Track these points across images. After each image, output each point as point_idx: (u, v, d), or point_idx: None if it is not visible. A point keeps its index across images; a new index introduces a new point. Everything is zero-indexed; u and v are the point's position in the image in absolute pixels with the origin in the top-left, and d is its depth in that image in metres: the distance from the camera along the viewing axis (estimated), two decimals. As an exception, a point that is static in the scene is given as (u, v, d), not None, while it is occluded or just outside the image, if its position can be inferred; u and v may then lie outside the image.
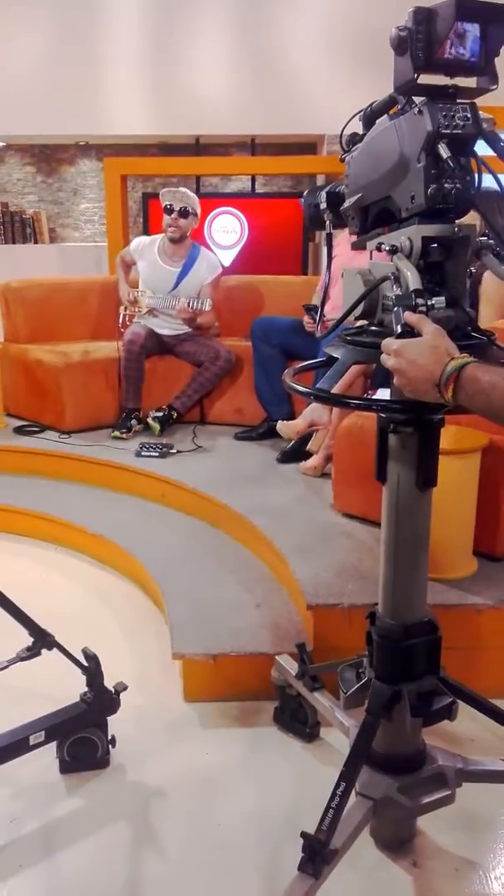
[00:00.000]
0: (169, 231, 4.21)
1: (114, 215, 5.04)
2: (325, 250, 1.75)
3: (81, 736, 1.93)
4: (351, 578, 2.36)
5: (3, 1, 4.97)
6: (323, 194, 1.61)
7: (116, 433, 4.04)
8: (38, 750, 1.84)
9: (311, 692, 1.99)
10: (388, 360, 1.26)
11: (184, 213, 4.16)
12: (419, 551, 1.56)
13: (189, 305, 4.06)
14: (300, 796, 1.89)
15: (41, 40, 5.01)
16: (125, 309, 4.32)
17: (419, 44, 1.25)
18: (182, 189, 4.23)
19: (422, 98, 1.32)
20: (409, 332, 1.24)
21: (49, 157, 8.75)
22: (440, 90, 1.31)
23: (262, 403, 4.00)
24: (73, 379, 4.12)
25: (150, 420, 4.09)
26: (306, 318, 3.66)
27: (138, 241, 4.45)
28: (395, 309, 1.28)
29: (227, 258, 5.24)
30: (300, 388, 1.52)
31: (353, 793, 1.54)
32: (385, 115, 1.43)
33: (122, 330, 4.20)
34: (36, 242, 7.49)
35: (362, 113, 1.49)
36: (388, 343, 1.25)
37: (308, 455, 3.41)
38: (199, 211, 4.24)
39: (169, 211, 4.16)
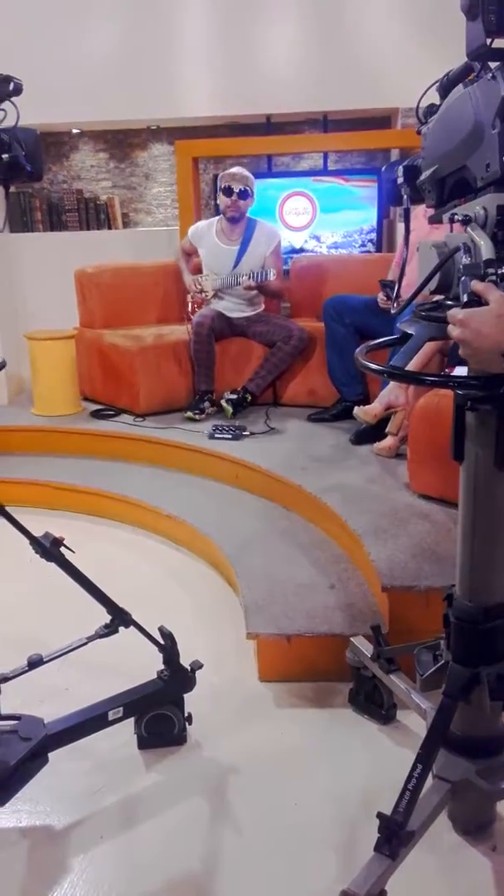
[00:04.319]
0: (228, 212, 4.22)
1: (186, 198, 5.05)
2: (401, 226, 1.72)
3: (158, 713, 1.97)
4: (427, 560, 2.33)
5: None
6: (400, 168, 1.57)
7: (189, 414, 4.07)
8: (117, 725, 1.88)
9: (386, 674, 1.97)
10: (453, 331, 1.22)
11: (243, 195, 4.17)
12: (498, 532, 1.52)
13: (251, 278, 4.08)
14: (376, 778, 1.88)
15: (110, 28, 5.04)
16: (191, 297, 4.37)
17: (491, 7, 1.20)
18: (241, 171, 4.23)
19: (496, 63, 1.27)
20: (477, 301, 1.21)
21: (121, 142, 8.82)
22: (515, 54, 1.25)
23: (335, 384, 3.97)
24: (146, 362, 4.17)
25: (223, 402, 4.10)
26: (381, 295, 3.60)
27: (195, 228, 4.48)
28: (463, 278, 1.24)
29: (298, 240, 5.21)
30: (373, 367, 1.50)
31: (430, 775, 1.52)
32: (460, 84, 1.38)
33: (192, 317, 4.24)
34: (110, 228, 7.58)
35: (439, 83, 1.45)
36: (454, 313, 1.21)
37: (382, 435, 3.37)
38: (255, 190, 4.26)
39: (228, 192, 4.17)
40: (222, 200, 4.22)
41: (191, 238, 4.47)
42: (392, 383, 3.29)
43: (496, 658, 1.53)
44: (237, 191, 4.15)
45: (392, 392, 3.31)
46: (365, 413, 3.37)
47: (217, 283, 4.28)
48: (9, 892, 1.60)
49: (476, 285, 1.21)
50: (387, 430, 3.35)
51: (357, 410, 3.41)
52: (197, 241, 4.42)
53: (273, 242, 4.30)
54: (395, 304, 1.73)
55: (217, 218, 4.37)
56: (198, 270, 4.45)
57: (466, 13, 1.24)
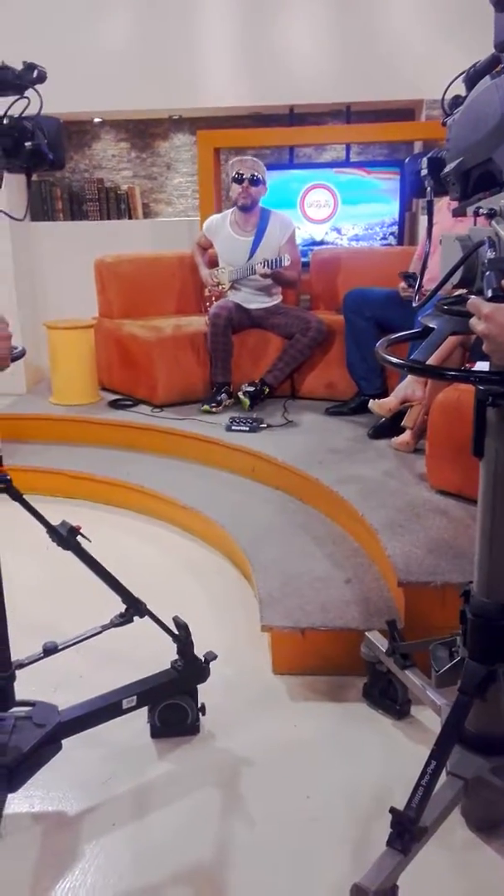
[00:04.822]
0: (240, 200, 4.21)
1: (206, 189, 5.04)
2: (424, 219, 1.70)
3: (172, 702, 1.97)
4: (444, 556, 2.31)
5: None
6: (424, 160, 1.56)
7: (206, 407, 4.07)
8: (130, 714, 1.89)
9: (401, 669, 1.96)
10: (477, 325, 1.20)
11: (254, 182, 4.16)
12: (517, 529, 1.51)
13: (267, 265, 4.07)
14: (389, 773, 1.88)
15: (133, 16, 5.02)
16: (208, 290, 4.36)
17: None
18: (251, 157, 4.22)
19: (525, 55, 1.25)
20: (502, 296, 1.19)
21: (143, 132, 8.82)
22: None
23: (353, 378, 3.95)
24: (165, 353, 4.17)
25: (240, 394, 4.10)
26: (402, 285, 3.58)
27: (210, 221, 4.46)
28: (487, 273, 1.22)
29: (319, 233, 5.18)
30: (394, 360, 1.49)
31: (444, 772, 1.52)
32: (487, 76, 1.37)
33: (209, 309, 4.24)
34: (130, 218, 7.59)
35: (465, 74, 1.43)
36: (479, 305, 1.19)
37: (400, 430, 3.35)
38: (266, 179, 4.24)
39: (239, 180, 4.16)
40: (234, 189, 4.21)
41: (205, 232, 4.46)
42: (409, 377, 3.28)
43: (513, 656, 1.52)
44: (248, 177, 4.14)
45: (408, 386, 3.29)
46: (380, 406, 3.35)
47: (233, 275, 4.27)
48: (21, 876, 1.61)
49: None
50: (402, 423, 3.34)
51: (372, 404, 3.39)
52: (212, 234, 4.41)
53: (288, 232, 4.28)
54: (416, 297, 1.71)
55: (231, 210, 4.36)
56: (213, 263, 4.44)
57: (495, 4, 1.22)
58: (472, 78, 1.41)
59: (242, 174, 4.15)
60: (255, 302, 4.32)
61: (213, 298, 4.35)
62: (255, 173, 4.15)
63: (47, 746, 1.72)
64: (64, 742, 1.77)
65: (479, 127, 1.34)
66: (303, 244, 4.90)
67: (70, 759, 1.82)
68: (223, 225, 4.36)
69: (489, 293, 1.20)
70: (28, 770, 1.68)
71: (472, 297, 1.26)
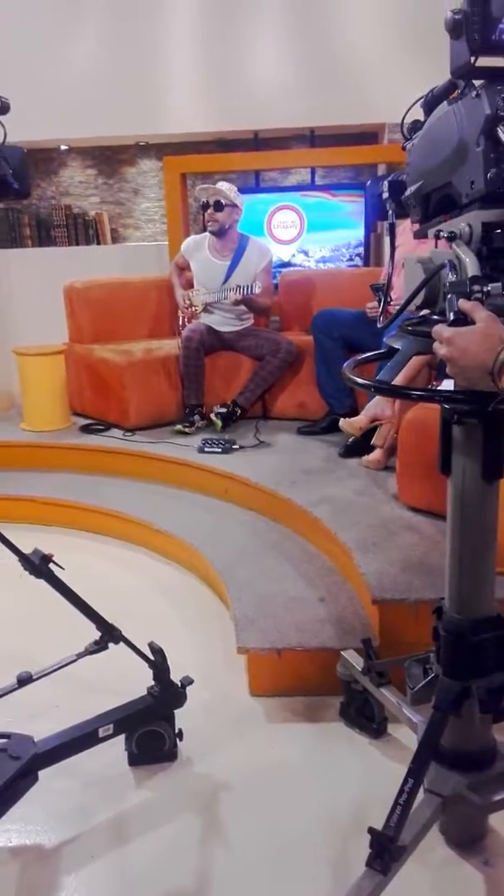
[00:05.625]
0: (209, 226, 4.26)
1: (174, 214, 5.07)
2: (387, 240, 1.73)
3: (149, 729, 1.96)
4: (417, 573, 2.33)
5: (59, 4, 5.05)
6: (385, 184, 1.59)
7: (179, 427, 4.07)
8: (107, 742, 1.87)
9: (377, 687, 1.97)
10: (439, 349, 1.23)
11: (218, 207, 4.19)
12: (486, 545, 1.53)
13: (238, 292, 4.10)
14: (367, 792, 1.87)
15: (97, 44, 5.07)
16: (181, 311, 4.38)
17: (475, 26, 1.22)
18: (212, 185, 4.26)
19: (480, 81, 1.28)
20: (463, 319, 1.22)
21: (110, 158, 8.85)
22: (499, 73, 1.27)
23: (324, 397, 3.98)
24: (136, 377, 4.17)
25: (212, 416, 4.11)
26: (370, 305, 3.62)
27: (188, 242, 4.50)
28: (449, 296, 1.25)
29: (286, 253, 5.23)
30: (360, 381, 1.51)
31: (421, 789, 1.52)
32: (445, 101, 1.40)
33: (182, 331, 4.26)
34: (98, 243, 7.61)
35: (423, 99, 1.47)
36: (440, 330, 1.22)
37: (371, 448, 3.37)
38: (237, 201, 4.26)
39: (205, 207, 4.22)
40: (204, 216, 4.26)
41: (183, 252, 4.49)
42: (378, 396, 3.30)
43: (486, 671, 1.53)
44: (212, 203, 4.18)
45: (378, 405, 3.32)
46: (350, 426, 3.38)
47: (206, 298, 4.29)
48: (-2, 912, 1.59)
49: (463, 304, 1.22)
50: (372, 442, 3.36)
51: (343, 423, 3.42)
52: (189, 255, 4.44)
53: (265, 260, 4.32)
54: (381, 318, 1.73)
55: (208, 233, 4.40)
56: (189, 285, 4.47)
57: (450, 32, 1.25)
58: (430, 103, 1.45)
59: (207, 201, 4.19)
60: (226, 325, 4.34)
61: (186, 320, 4.37)
62: (218, 198, 4.18)
63: (23, 779, 1.70)
64: (40, 773, 1.75)
65: (437, 152, 1.37)
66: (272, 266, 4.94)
67: (47, 791, 1.80)
68: (201, 247, 4.39)
69: (451, 316, 1.23)
70: (4, 804, 1.65)
71: (436, 322, 1.28)
